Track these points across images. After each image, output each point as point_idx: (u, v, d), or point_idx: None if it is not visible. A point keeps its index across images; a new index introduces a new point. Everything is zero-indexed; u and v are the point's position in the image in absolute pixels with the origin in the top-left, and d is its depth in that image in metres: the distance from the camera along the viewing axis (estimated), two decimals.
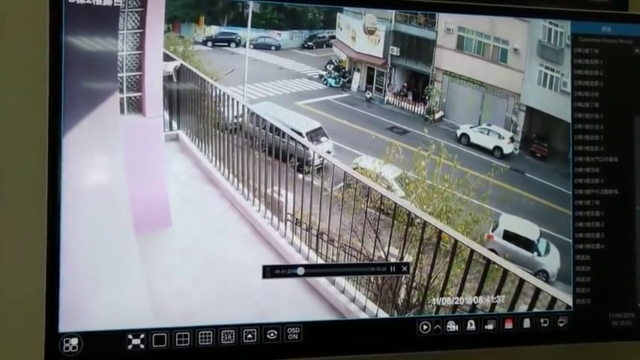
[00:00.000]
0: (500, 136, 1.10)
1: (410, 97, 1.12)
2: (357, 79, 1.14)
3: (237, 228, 1.06)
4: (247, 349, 0.88)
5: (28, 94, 0.87)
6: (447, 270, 0.99)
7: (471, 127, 1.11)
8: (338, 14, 1.04)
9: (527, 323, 0.98)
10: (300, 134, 1.07)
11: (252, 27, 1.00)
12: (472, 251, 0.99)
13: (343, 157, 1.05)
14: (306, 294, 0.97)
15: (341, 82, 1.12)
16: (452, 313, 0.97)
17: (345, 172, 1.05)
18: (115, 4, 0.86)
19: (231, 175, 1.22)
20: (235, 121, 1.14)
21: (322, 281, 1.01)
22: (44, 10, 0.83)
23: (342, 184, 1.07)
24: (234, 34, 1.03)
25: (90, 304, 0.84)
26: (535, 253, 1.04)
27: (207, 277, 0.90)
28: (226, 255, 0.93)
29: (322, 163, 1.09)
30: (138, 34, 0.96)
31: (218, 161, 1.23)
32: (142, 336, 0.85)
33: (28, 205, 0.86)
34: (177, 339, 0.86)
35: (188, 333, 0.87)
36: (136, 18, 0.94)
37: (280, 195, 1.09)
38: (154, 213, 0.92)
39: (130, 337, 0.85)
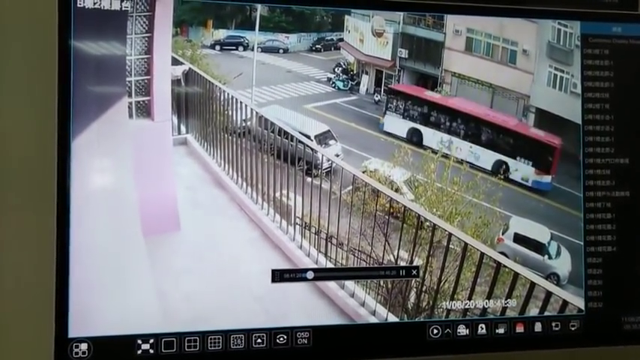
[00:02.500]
0: None
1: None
2: (366, 82, 1.14)
3: (246, 232, 1.06)
4: (257, 354, 0.88)
5: (37, 99, 0.86)
6: (457, 273, 0.99)
7: None
8: (346, 17, 1.03)
9: (538, 327, 0.97)
10: (308, 137, 1.07)
11: (260, 30, 1.00)
12: (482, 254, 0.98)
13: (352, 160, 1.05)
14: (315, 298, 0.96)
15: (349, 85, 1.12)
16: (462, 317, 0.96)
17: (354, 175, 1.05)
18: (124, 9, 0.86)
19: (239, 178, 1.21)
20: (244, 124, 1.14)
21: (332, 285, 1.01)
22: (53, 14, 0.83)
23: (350, 187, 1.06)
24: (242, 37, 1.03)
25: (99, 309, 0.84)
26: (546, 256, 1.03)
27: (217, 282, 0.90)
28: (235, 259, 0.93)
29: (331, 167, 1.08)
30: (146, 38, 0.96)
31: (227, 165, 1.23)
32: (152, 341, 0.85)
33: (37, 209, 0.86)
34: (186, 344, 0.86)
35: (197, 338, 0.86)
36: (144, 22, 0.94)
37: (289, 198, 1.09)
38: (162, 217, 0.92)
39: (140, 342, 0.84)
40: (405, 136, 0.93)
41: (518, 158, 0.93)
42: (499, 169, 0.89)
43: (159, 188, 0.94)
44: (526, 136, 0.93)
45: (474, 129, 0.91)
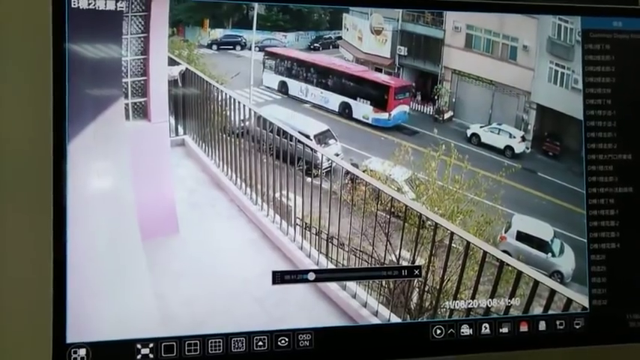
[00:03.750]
0: (511, 136, 1.09)
1: (419, 97, 1.10)
2: None
3: (246, 233, 1.05)
4: (258, 357, 0.87)
5: (32, 101, 0.86)
6: (459, 273, 0.98)
7: (481, 127, 1.10)
8: (344, 14, 1.02)
9: (542, 326, 0.96)
10: (307, 137, 1.06)
11: (257, 29, 1.00)
12: (485, 253, 0.97)
13: (354, 159, 1.04)
14: (316, 300, 0.96)
15: None
16: (466, 317, 0.95)
17: (354, 175, 1.04)
18: (119, 9, 0.85)
19: (238, 179, 1.21)
20: (242, 124, 1.13)
21: (333, 286, 1.00)
22: (47, 15, 0.82)
23: (350, 184, 1.06)
24: (239, 36, 1.02)
25: (98, 314, 0.83)
26: (549, 254, 1.03)
27: (216, 284, 0.89)
28: (235, 261, 0.92)
29: (331, 166, 1.08)
30: (142, 39, 0.95)
31: (225, 166, 1.22)
32: (151, 345, 0.84)
33: (33, 213, 0.85)
34: (186, 348, 0.85)
35: (198, 341, 0.85)
36: (140, 22, 0.93)
37: (289, 199, 1.08)
38: (160, 220, 0.91)
39: (139, 346, 0.83)
40: (276, 87, 1.02)
41: (358, 99, 1.01)
42: (344, 110, 0.99)
43: (156, 190, 0.93)
44: (365, 79, 1.02)
45: (324, 77, 1.01)
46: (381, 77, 1.00)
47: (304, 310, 0.91)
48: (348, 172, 1.04)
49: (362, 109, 1.01)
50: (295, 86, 0.99)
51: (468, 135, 1.08)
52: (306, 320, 0.90)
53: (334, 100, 1.00)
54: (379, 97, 1.02)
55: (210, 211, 0.96)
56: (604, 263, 0.98)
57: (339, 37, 1.05)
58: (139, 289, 0.85)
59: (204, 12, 0.95)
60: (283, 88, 0.99)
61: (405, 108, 1.02)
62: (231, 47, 1.02)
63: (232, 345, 0.86)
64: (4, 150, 0.87)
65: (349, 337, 0.92)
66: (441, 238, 0.99)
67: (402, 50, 1.10)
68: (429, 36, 1.08)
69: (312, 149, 1.07)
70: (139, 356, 0.83)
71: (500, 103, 1.09)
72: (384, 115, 1.01)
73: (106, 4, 0.84)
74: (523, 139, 1.08)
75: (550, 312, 0.96)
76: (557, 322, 0.96)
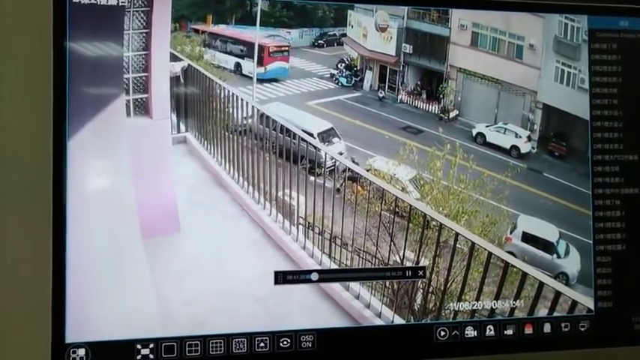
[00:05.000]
0: (517, 135, 1.08)
1: (424, 96, 1.10)
2: (370, 78, 1.13)
3: (248, 233, 1.04)
4: (260, 358, 0.86)
5: (32, 97, 0.85)
6: (464, 274, 0.97)
7: (486, 126, 1.09)
8: (349, 11, 1.02)
9: (547, 328, 0.95)
10: (311, 135, 1.06)
11: (260, 26, 0.99)
12: (490, 254, 0.96)
13: (356, 158, 1.03)
14: (319, 300, 0.95)
15: (353, 81, 1.10)
16: (470, 319, 0.94)
17: (358, 174, 1.03)
18: (121, 4, 0.84)
19: (240, 178, 1.20)
20: (244, 122, 1.13)
21: (336, 287, 0.99)
22: (48, 10, 0.81)
23: (354, 185, 1.05)
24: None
25: (97, 314, 0.82)
26: (554, 256, 1.02)
27: (218, 284, 0.88)
28: (237, 261, 0.91)
29: (334, 165, 1.07)
30: (144, 34, 0.94)
31: (227, 164, 1.21)
32: (151, 346, 0.83)
33: (33, 212, 0.84)
34: (187, 348, 0.84)
35: (198, 342, 0.84)
36: (142, 18, 0.92)
37: (292, 198, 1.08)
38: (161, 218, 0.90)
39: (139, 347, 0.82)
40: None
41: (245, 59, 1.12)
42: (237, 68, 1.12)
43: (157, 188, 0.93)
44: (249, 42, 1.12)
45: (225, 44, 1.10)
46: (260, 40, 1.11)
47: (307, 310, 0.90)
48: (351, 171, 1.04)
49: (247, 66, 1.12)
50: (208, 54, 1.08)
51: (474, 134, 1.07)
52: (309, 321, 0.89)
53: (231, 61, 1.10)
54: (258, 55, 1.12)
55: (212, 210, 0.96)
56: (610, 265, 0.98)
57: (344, 34, 1.05)
58: (139, 289, 0.84)
59: (207, 8, 0.94)
60: (202, 54, 1.09)
61: (284, 65, 1.11)
62: None
63: (234, 346, 0.85)
64: (1, 147, 0.86)
65: (352, 338, 0.90)
66: (446, 238, 0.99)
67: (408, 48, 1.09)
68: (435, 34, 1.08)
69: (315, 147, 1.07)
70: (138, 356, 0.82)
71: (506, 103, 1.08)
72: (262, 69, 1.12)
73: None
74: (529, 138, 1.07)
75: (555, 314, 0.95)
76: (562, 324, 0.95)
